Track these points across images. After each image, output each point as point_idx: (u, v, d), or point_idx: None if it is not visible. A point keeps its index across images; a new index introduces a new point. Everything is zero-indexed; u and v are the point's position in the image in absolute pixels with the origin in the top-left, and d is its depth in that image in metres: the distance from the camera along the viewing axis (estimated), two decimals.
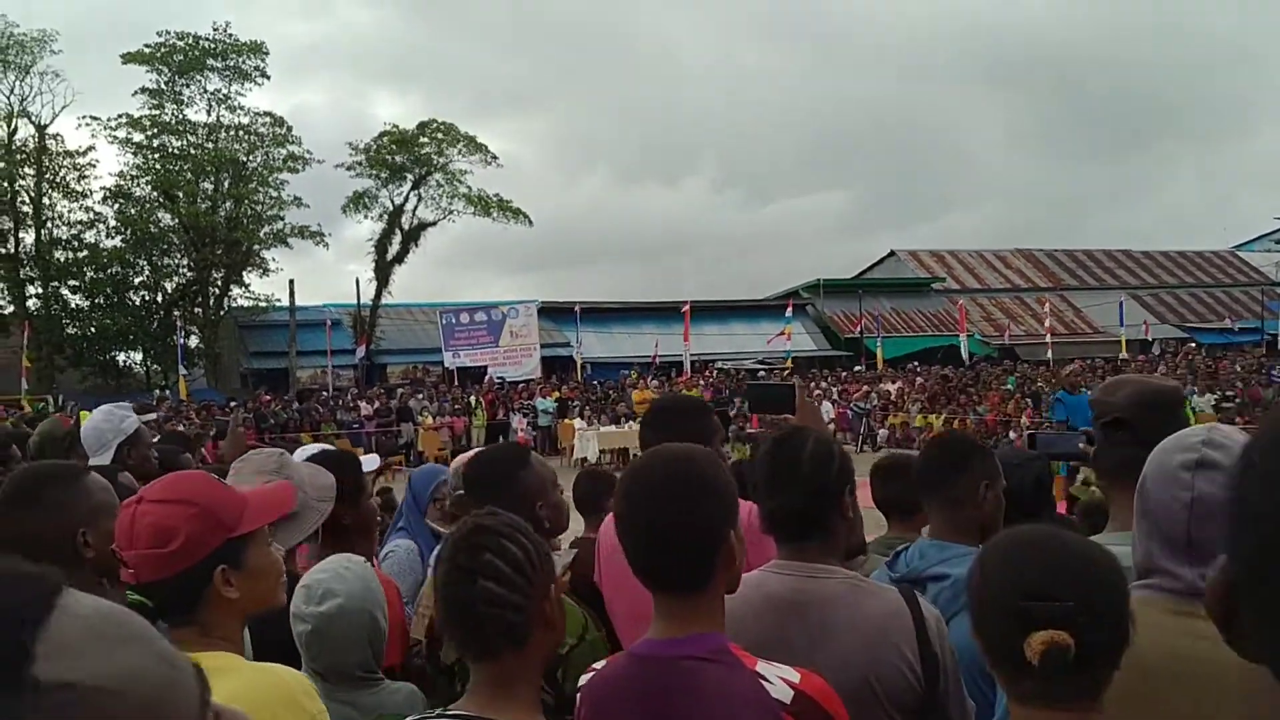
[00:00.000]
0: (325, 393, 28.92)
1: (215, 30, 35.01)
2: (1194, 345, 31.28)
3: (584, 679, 1.84)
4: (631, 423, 22.56)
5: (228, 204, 35.44)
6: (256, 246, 35.86)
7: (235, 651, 1.76)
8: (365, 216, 37.87)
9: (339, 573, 2.34)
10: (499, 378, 30.20)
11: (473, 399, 25.61)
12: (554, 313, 37.41)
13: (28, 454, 4.26)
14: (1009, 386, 24.22)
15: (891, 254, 48.97)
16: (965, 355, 36.60)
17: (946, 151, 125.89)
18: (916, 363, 35.27)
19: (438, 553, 1.85)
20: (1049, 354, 36.86)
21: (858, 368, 34.82)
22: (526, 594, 1.63)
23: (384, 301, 37.49)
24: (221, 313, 36.17)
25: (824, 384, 27.30)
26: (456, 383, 31.17)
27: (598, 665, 1.87)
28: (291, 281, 33.63)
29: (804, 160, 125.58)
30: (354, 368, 33.71)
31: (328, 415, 24.01)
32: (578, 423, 22.71)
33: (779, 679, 1.65)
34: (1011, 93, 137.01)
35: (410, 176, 37.16)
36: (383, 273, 37.15)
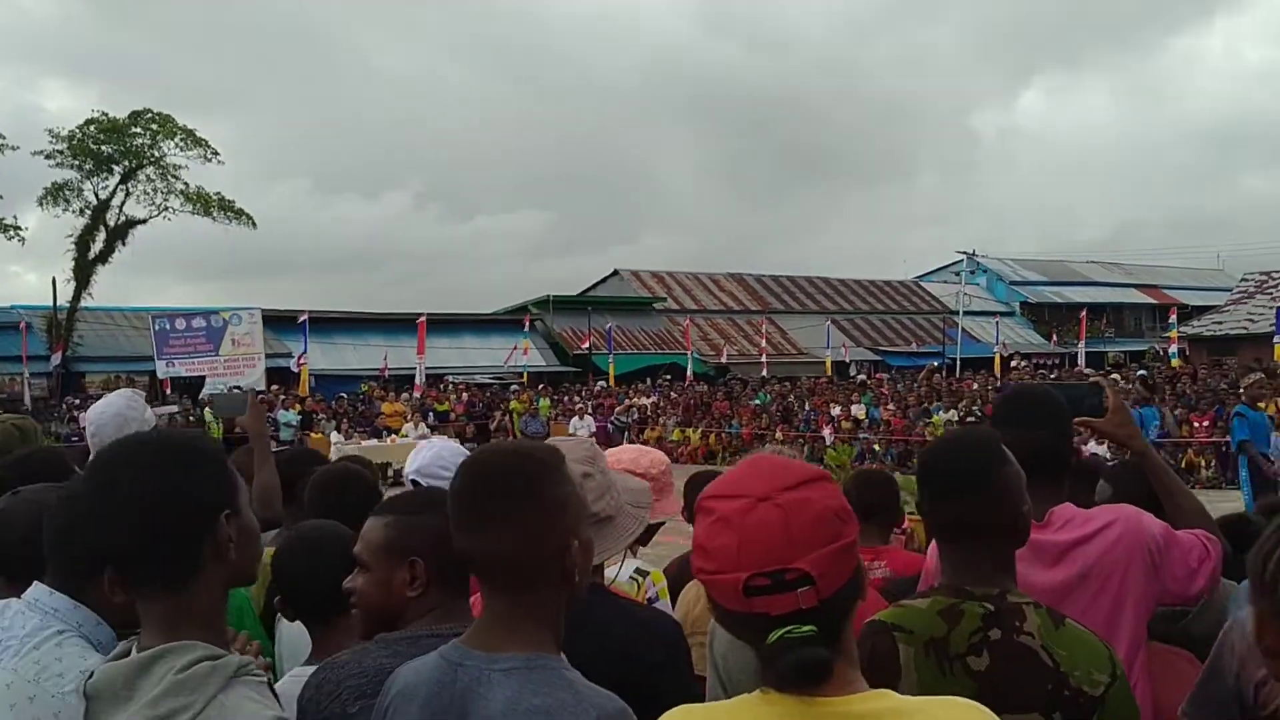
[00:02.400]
0: (24, 404, 26.09)
1: None
2: (935, 365, 34.02)
3: None
4: (394, 436, 21.87)
5: None
6: None
7: None
8: (65, 210, 34.47)
9: None
10: (234, 388, 28.27)
11: (206, 412, 23.85)
12: (273, 321, 35.53)
13: None
14: (759, 401, 25.46)
15: (615, 273, 50.12)
16: (690, 373, 38.14)
17: (646, 179, 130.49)
18: (669, 377, 36.25)
19: None
20: (764, 372, 39.02)
21: (601, 383, 35.30)
22: None
23: (84, 304, 34.26)
24: None
25: (579, 399, 27.59)
26: (171, 392, 28.97)
27: None
28: None
29: (505, 180, 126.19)
30: (47, 376, 30.63)
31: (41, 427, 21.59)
32: (334, 436, 21.72)
33: None
34: (710, 130, 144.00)
35: (119, 169, 34.19)
36: (83, 273, 33.91)
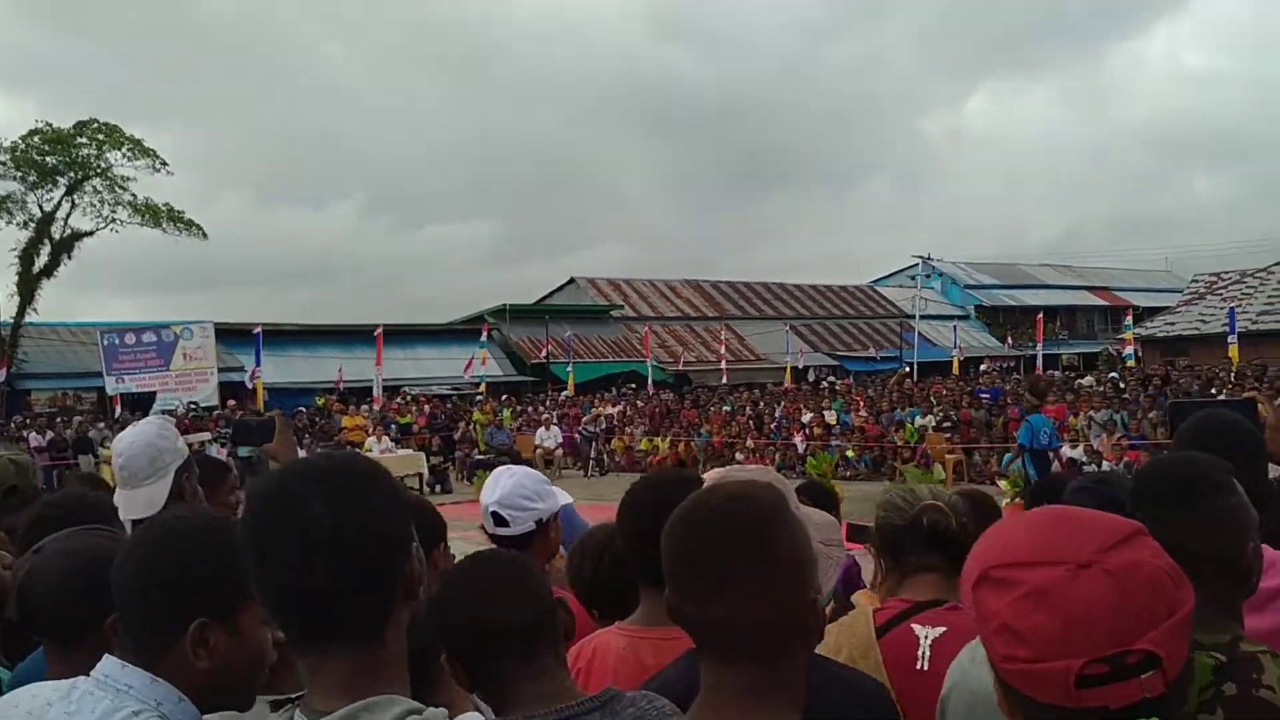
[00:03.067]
0: None
1: None
2: (906, 370, 34.03)
3: None
4: (357, 450, 21.39)
5: None
6: None
7: None
8: (8, 223, 33.42)
9: None
10: (191, 404, 27.64)
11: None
12: (225, 335, 34.79)
13: None
14: (728, 409, 25.27)
15: (571, 281, 49.86)
16: (650, 381, 37.95)
17: (600, 187, 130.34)
18: (634, 385, 36.05)
19: None
20: (724, 379, 38.93)
21: (565, 393, 34.94)
22: None
23: (28, 320, 33.28)
24: None
25: (543, 409, 27.22)
26: (122, 409, 28.24)
27: None
28: None
29: (457, 189, 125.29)
30: None
31: None
32: (301, 454, 21.17)
33: None
34: (664, 136, 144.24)
35: (64, 180, 33.25)
36: (28, 287, 32.93)
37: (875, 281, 60.65)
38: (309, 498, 1.30)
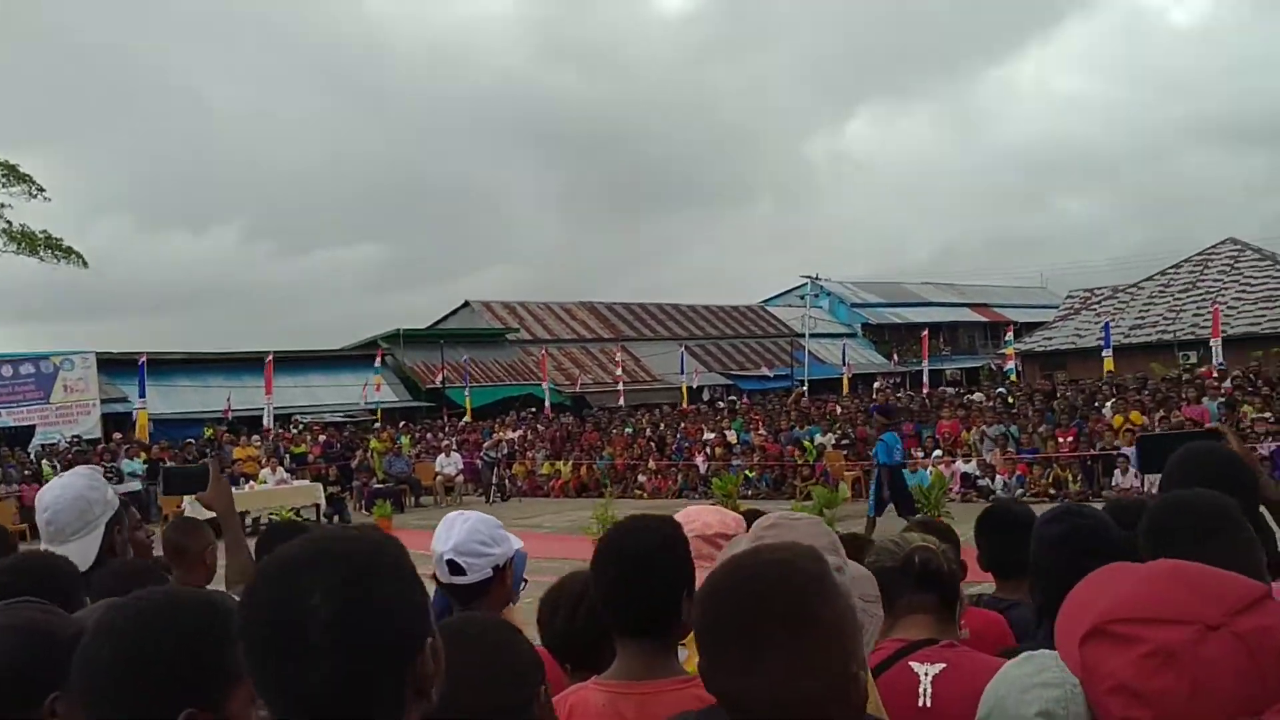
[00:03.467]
0: None
1: None
2: (802, 389, 34.53)
3: None
4: (252, 482, 20.80)
5: None
6: None
7: None
8: None
9: None
10: (74, 437, 26.60)
11: (45, 464, 22.31)
12: (108, 365, 33.60)
13: None
14: (630, 431, 25.33)
15: (466, 304, 49.43)
16: (548, 404, 37.86)
17: (491, 209, 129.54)
18: (534, 410, 35.72)
19: None
20: (621, 401, 39.04)
21: (464, 419, 34.57)
22: None
23: None
24: None
25: (442, 435, 26.89)
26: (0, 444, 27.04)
27: None
28: None
29: (342, 213, 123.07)
30: None
31: None
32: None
33: None
34: (553, 158, 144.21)
35: None
36: None
37: (765, 301, 61.61)
38: (308, 588, 1.17)
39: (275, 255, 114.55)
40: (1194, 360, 34.65)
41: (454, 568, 2.82)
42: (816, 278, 54.18)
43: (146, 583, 2.40)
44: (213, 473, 3.71)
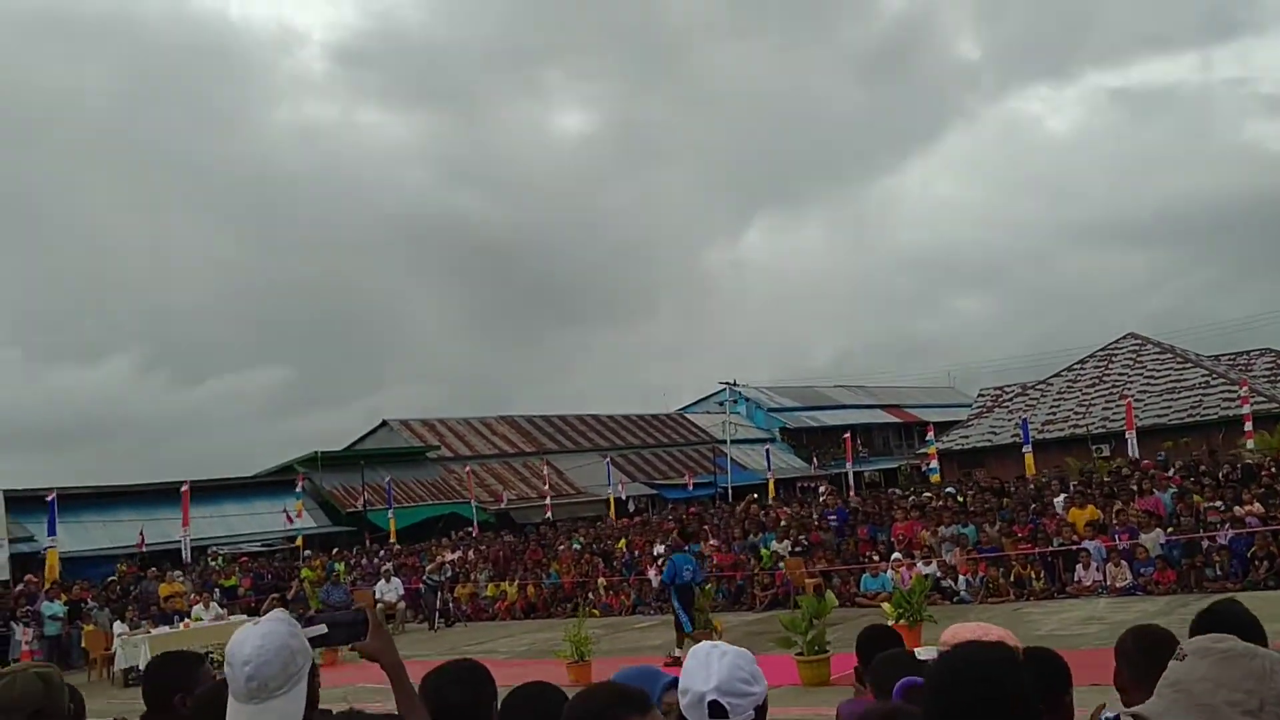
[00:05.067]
0: None
1: None
2: (753, 496, 34.34)
3: None
4: (186, 620, 19.77)
5: None
6: None
7: None
8: None
9: None
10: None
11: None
12: (13, 502, 31.93)
13: None
14: (577, 546, 24.77)
15: (384, 424, 48.60)
16: (475, 522, 37.10)
17: (398, 329, 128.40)
18: (468, 530, 34.98)
19: None
20: (548, 514, 38.48)
21: (391, 541, 33.54)
22: None
23: None
24: None
25: (379, 559, 25.97)
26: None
27: None
28: None
29: (240, 338, 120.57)
30: None
31: None
32: (117, 626, 19.36)
33: None
34: (457, 276, 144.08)
35: None
36: None
37: (683, 409, 61.96)
38: None
39: (175, 383, 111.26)
40: (1107, 453, 35.79)
41: (716, 709, 2.62)
42: (734, 384, 54.74)
43: None
44: (372, 621, 3.37)
